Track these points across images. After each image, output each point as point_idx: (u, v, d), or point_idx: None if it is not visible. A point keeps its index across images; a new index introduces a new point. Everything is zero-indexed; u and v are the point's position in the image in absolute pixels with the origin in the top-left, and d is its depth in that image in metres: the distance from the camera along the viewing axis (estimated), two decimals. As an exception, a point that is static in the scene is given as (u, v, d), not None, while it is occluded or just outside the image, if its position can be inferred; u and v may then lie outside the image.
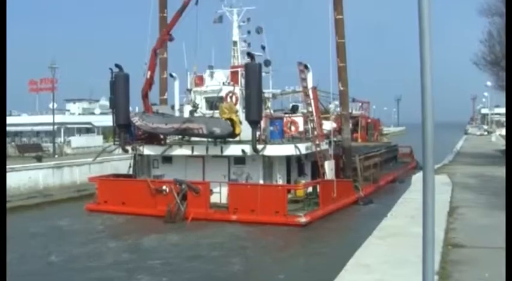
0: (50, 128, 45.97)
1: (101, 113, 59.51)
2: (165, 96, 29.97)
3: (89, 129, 56.59)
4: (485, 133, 78.92)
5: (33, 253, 17.59)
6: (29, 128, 52.43)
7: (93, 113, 61.53)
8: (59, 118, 50.01)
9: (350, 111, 35.79)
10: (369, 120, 47.14)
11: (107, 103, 71.55)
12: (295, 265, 16.00)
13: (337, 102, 36.02)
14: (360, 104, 48.74)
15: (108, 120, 57.74)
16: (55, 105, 48.61)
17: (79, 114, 62.95)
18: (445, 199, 15.89)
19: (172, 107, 27.84)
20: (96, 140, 52.30)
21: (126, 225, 22.35)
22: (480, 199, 16.39)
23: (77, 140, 51.11)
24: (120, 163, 33.49)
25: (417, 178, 22.55)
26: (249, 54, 23.33)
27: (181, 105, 27.95)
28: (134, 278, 14.58)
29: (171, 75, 28.36)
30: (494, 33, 35.08)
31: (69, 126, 54.07)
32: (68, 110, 64.51)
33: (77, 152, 46.69)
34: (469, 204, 15.41)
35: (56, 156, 41.99)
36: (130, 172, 26.79)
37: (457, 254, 9.57)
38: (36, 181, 29.93)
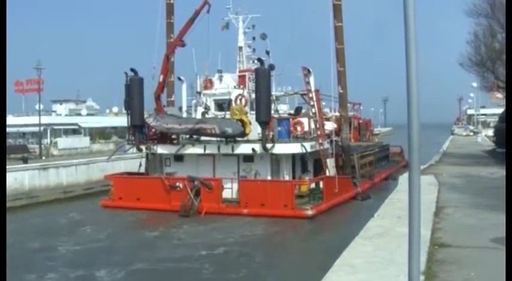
0: (37, 129, 47.69)
1: (88, 114, 61.53)
2: (172, 98, 33.00)
3: (75, 131, 58.50)
4: (471, 134, 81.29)
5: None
6: (15, 130, 53.72)
7: (79, 114, 63.56)
8: (46, 119, 51.75)
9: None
10: (361, 121, 50.46)
11: (94, 104, 74.19)
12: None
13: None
14: (352, 105, 51.77)
15: (94, 122, 60.32)
16: (41, 107, 50.32)
17: (65, 115, 64.83)
18: (432, 199, 16.36)
19: (180, 109, 30.76)
20: (83, 142, 54.39)
21: (147, 218, 25.30)
22: (466, 199, 16.96)
23: (64, 142, 52.72)
24: (107, 164, 35.40)
25: (404, 178, 22.99)
26: (259, 60, 26.60)
27: (189, 106, 31.01)
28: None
29: (179, 79, 31.21)
30: (480, 34, 37.05)
31: (55, 127, 55.73)
32: (55, 111, 66.33)
33: (63, 154, 48.23)
34: (455, 204, 15.86)
35: (43, 157, 43.48)
36: (141, 170, 29.67)
37: (443, 254, 9.81)
38: (21, 183, 30.52)
